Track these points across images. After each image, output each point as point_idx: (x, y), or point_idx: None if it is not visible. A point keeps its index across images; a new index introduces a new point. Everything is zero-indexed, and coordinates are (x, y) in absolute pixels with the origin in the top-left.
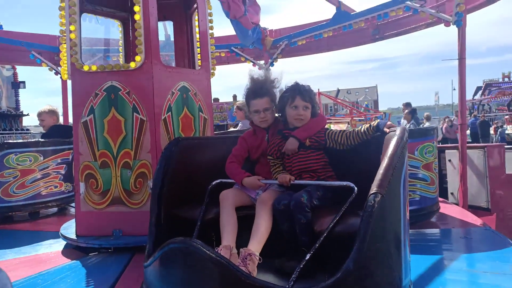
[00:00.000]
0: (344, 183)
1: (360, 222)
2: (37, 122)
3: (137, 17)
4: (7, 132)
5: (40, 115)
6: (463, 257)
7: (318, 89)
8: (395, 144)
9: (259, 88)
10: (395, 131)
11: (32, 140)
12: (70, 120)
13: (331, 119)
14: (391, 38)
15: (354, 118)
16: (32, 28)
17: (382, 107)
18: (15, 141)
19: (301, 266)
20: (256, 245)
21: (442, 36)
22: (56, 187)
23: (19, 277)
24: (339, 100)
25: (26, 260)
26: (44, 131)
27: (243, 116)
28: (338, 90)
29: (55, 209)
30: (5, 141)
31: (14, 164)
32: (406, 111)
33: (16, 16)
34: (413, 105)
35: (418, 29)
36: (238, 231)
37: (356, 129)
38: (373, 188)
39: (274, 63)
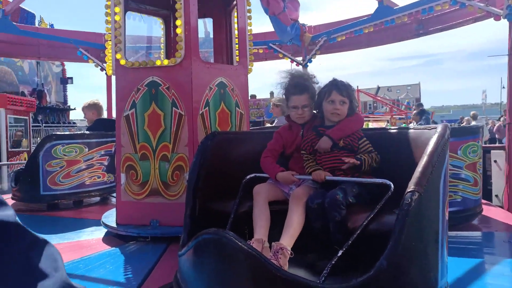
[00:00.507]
0: (381, 180)
1: (395, 220)
2: (82, 116)
3: (178, 14)
4: (55, 125)
5: (83, 108)
6: (506, 262)
7: (357, 86)
8: (436, 142)
9: (299, 83)
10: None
11: (78, 132)
12: (113, 114)
13: (369, 117)
14: (435, 33)
15: (394, 117)
16: (80, 26)
17: (425, 106)
18: (62, 133)
19: (333, 262)
20: (288, 239)
21: (491, 31)
22: (99, 177)
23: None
24: (379, 98)
25: (69, 246)
26: (87, 124)
27: (280, 113)
28: (378, 88)
29: (98, 198)
30: (53, 133)
31: (61, 154)
32: (415, 111)
33: (66, 16)
34: (459, 103)
35: (465, 24)
36: (271, 225)
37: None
38: (410, 186)
39: (312, 59)
